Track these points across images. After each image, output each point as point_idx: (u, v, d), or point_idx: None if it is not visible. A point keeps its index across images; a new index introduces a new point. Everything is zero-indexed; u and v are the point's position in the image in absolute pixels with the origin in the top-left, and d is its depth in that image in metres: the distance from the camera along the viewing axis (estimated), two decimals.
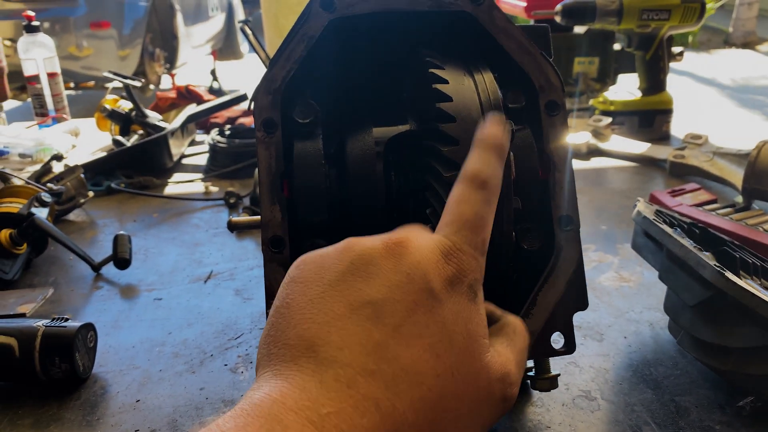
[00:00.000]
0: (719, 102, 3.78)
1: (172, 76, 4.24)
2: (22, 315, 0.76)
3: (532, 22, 1.53)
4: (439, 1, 0.57)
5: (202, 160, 1.35)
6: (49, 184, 0.99)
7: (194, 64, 4.77)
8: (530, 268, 0.55)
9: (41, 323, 0.64)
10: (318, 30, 0.56)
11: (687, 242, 0.61)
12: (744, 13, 6.61)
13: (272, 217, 0.54)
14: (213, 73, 5.05)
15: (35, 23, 1.53)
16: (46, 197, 0.91)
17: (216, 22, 4.95)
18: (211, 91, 4.96)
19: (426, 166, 0.52)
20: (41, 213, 0.89)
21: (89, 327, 0.67)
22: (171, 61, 4.06)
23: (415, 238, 0.36)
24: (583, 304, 0.55)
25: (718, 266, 0.56)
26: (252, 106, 0.56)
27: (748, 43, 6.60)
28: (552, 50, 0.60)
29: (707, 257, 0.58)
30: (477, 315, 0.36)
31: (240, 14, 5.55)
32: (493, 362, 0.36)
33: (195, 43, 4.45)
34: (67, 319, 0.66)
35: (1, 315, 0.73)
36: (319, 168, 0.55)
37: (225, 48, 5.29)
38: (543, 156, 0.56)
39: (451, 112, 0.50)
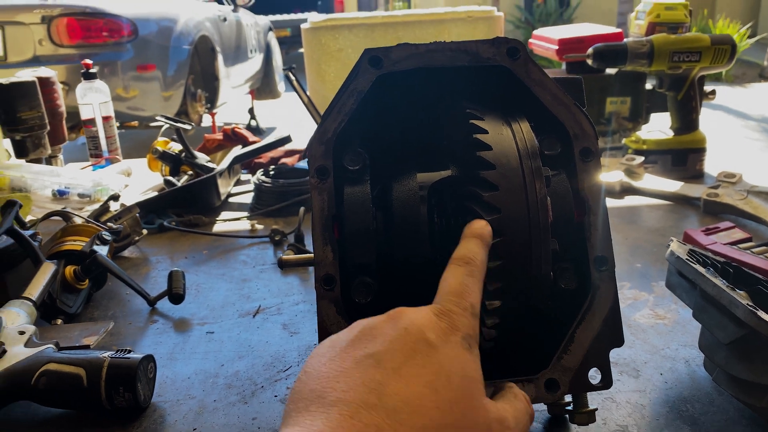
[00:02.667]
0: (755, 137, 3.74)
1: (213, 115, 4.38)
2: (87, 347, 0.81)
3: (564, 65, 1.58)
4: (478, 56, 0.61)
5: (248, 198, 1.41)
6: (108, 223, 1.06)
7: (233, 103, 4.93)
8: (568, 306, 0.58)
9: (107, 355, 0.69)
10: (366, 85, 0.61)
11: (720, 282, 0.63)
12: None
13: (324, 257, 0.59)
14: (251, 111, 5.21)
15: (93, 71, 1.64)
16: (107, 236, 0.98)
17: (254, 63, 5.11)
18: (249, 128, 5.11)
19: (468, 210, 0.56)
20: (102, 251, 0.95)
21: (150, 359, 0.71)
22: (211, 101, 4.20)
23: (411, 309, 0.42)
24: (618, 341, 0.58)
25: (750, 305, 0.58)
26: (306, 155, 0.61)
27: None
28: (585, 100, 0.64)
29: (740, 296, 0.61)
30: (473, 362, 0.41)
31: (277, 55, 5.72)
32: (490, 405, 0.41)
33: (234, 83, 4.60)
34: (129, 351, 0.70)
35: (68, 347, 0.78)
36: (367, 212, 0.59)
37: (263, 87, 5.45)
38: (578, 199, 0.59)
39: (491, 159, 0.54)
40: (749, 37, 6.75)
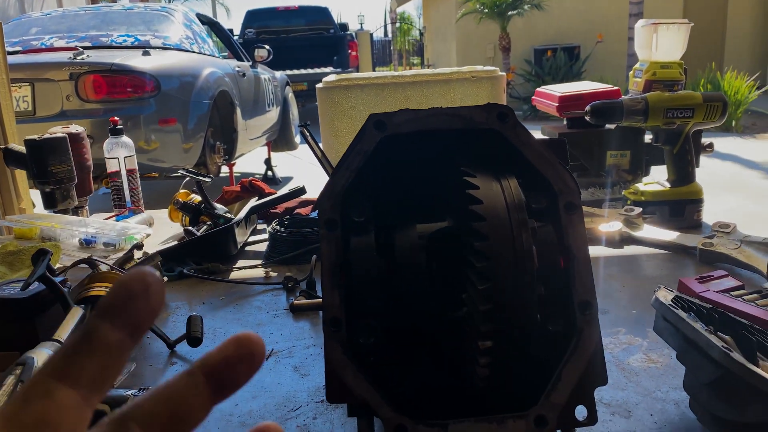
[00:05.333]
0: (762, 186, 3.77)
1: (230, 166, 4.50)
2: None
3: (564, 121, 1.65)
4: (472, 121, 0.68)
5: (263, 247, 1.47)
6: None
7: (251, 154, 5.06)
8: (555, 347, 0.63)
9: (130, 393, 0.75)
10: (371, 146, 0.68)
11: (699, 326, 0.68)
12: None
13: (332, 300, 0.64)
14: (267, 162, 5.34)
15: (120, 127, 1.74)
16: None
17: (272, 116, 5.27)
18: (265, 179, 5.23)
19: (462, 258, 0.62)
20: None
21: None
22: (229, 153, 4.32)
23: None
24: (603, 380, 0.62)
25: (725, 347, 0.63)
26: (316, 208, 0.68)
27: None
28: (569, 159, 0.70)
29: (717, 339, 0.65)
30: None
31: (294, 108, 5.89)
32: None
33: (252, 135, 4.74)
34: None
35: None
36: (372, 259, 0.65)
37: (280, 139, 5.59)
38: (563, 249, 0.65)
39: (482, 212, 0.61)
40: (758, 88, 6.84)
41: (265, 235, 1.50)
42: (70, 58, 3.60)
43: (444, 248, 0.67)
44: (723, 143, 4.87)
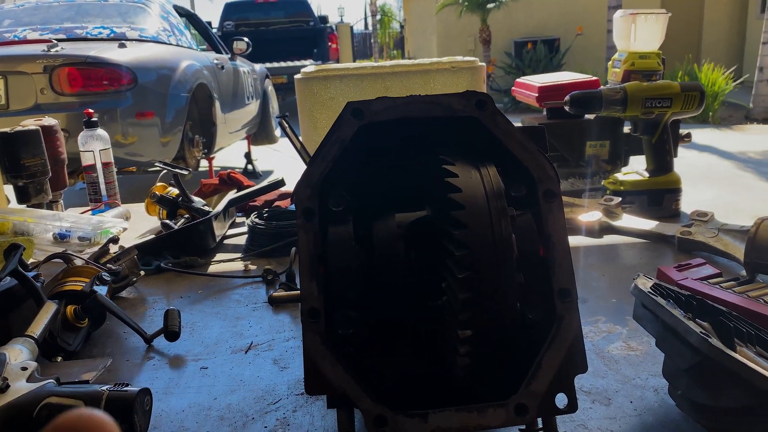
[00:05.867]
0: (740, 175, 3.83)
1: (210, 160, 4.46)
2: (86, 382, 0.85)
3: (544, 111, 1.65)
4: (450, 108, 0.67)
5: (242, 240, 1.46)
6: (108, 265, 1.10)
7: (230, 148, 5.02)
8: (535, 335, 0.63)
9: (105, 388, 0.73)
10: (349, 135, 0.67)
11: (677, 312, 0.68)
12: (763, 89, 6.71)
13: (310, 291, 0.63)
14: (247, 156, 5.30)
15: (94, 119, 1.71)
16: (106, 277, 1.02)
17: (251, 109, 5.22)
18: (245, 172, 5.19)
19: (441, 246, 0.61)
20: (102, 291, 1.00)
21: (146, 392, 0.75)
22: (209, 147, 4.27)
23: None
24: (582, 367, 0.62)
25: (703, 333, 0.63)
26: (293, 198, 0.66)
27: None
28: (548, 147, 0.70)
29: (695, 325, 0.65)
30: None
31: (274, 101, 5.84)
32: None
33: (231, 129, 4.69)
34: (127, 385, 0.74)
35: (68, 382, 0.82)
36: (349, 249, 0.64)
37: (259, 132, 5.54)
38: (543, 236, 0.64)
39: (461, 200, 0.60)
40: (734, 80, 6.92)
41: (244, 228, 1.49)
42: (44, 50, 3.52)
43: (423, 237, 0.66)
44: (700, 135, 4.93)
